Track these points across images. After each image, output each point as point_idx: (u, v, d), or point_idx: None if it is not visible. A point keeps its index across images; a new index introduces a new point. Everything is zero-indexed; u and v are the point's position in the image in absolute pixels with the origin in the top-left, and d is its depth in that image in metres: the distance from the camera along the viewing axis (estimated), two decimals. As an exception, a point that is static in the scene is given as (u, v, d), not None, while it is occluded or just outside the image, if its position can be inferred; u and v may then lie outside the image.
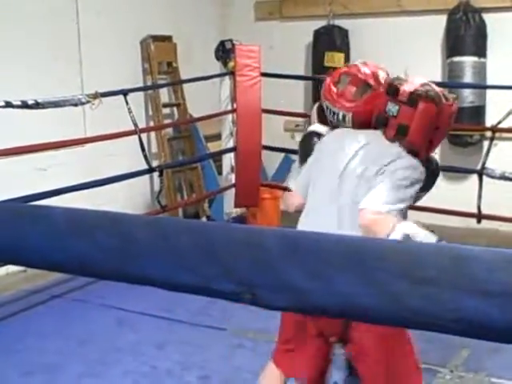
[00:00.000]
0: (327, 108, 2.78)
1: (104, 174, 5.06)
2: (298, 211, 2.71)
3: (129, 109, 5.03)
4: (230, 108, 6.20)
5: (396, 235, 2.26)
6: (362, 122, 2.68)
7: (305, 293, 0.65)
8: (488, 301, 0.58)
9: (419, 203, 4.68)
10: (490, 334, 0.59)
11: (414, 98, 2.53)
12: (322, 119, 2.87)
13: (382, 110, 2.59)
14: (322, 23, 6.85)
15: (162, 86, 6.55)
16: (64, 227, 0.85)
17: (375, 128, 2.64)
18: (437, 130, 2.61)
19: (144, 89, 6.30)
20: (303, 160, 2.82)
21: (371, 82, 2.71)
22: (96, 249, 0.79)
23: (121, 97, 5.03)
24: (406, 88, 2.55)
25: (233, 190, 6.06)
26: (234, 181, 6.09)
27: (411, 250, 0.64)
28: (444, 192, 6.36)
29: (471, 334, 0.60)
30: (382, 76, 2.74)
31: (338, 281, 0.63)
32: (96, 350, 4.08)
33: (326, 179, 2.61)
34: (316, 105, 3.03)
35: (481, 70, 6.27)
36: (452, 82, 6.32)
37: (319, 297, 0.65)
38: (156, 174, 5.43)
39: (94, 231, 0.79)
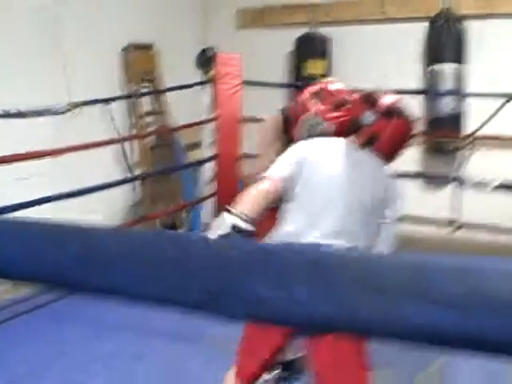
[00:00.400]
0: (307, 121, 2.87)
1: (83, 183, 5.05)
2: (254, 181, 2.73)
3: (111, 117, 5.05)
4: (210, 116, 6.22)
5: None
6: (342, 132, 2.78)
7: (267, 303, 0.67)
8: (444, 311, 0.59)
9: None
10: (446, 344, 0.61)
11: (390, 112, 2.68)
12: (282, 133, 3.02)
13: (358, 117, 2.72)
14: (303, 31, 6.89)
15: (144, 94, 6.55)
16: (36, 238, 0.86)
17: (347, 135, 2.75)
18: (400, 146, 2.77)
19: (125, 97, 6.30)
20: None
21: (346, 96, 2.90)
22: (66, 261, 0.80)
23: (101, 106, 5.04)
24: (383, 101, 2.70)
25: (211, 200, 6.07)
26: (213, 190, 6.10)
27: (371, 259, 0.66)
28: (422, 199, 6.44)
29: (427, 344, 0.62)
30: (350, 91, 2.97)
31: (298, 290, 0.65)
32: (75, 361, 4.07)
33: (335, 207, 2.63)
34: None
35: (461, 78, 6.33)
36: (433, 89, 6.38)
37: (280, 306, 0.66)
38: (135, 183, 5.43)
39: (65, 242, 0.80)
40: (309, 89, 3.00)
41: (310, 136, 2.85)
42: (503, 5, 6.26)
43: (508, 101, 5.24)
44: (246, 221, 2.52)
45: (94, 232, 0.79)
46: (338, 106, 2.86)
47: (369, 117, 2.71)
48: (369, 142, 2.71)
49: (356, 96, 2.82)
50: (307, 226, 2.61)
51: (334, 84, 3.03)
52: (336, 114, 2.85)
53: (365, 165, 2.72)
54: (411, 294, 0.59)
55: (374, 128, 2.70)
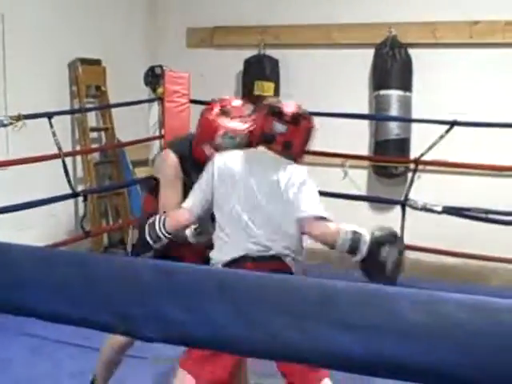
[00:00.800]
0: (222, 138, 3.11)
1: (27, 197, 4.96)
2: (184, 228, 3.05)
3: (53, 132, 4.97)
4: (158, 134, 6.19)
5: (345, 235, 2.80)
6: (253, 142, 3.08)
7: (178, 324, 0.66)
8: (352, 334, 0.60)
9: None
10: (354, 367, 0.61)
11: (297, 118, 3.01)
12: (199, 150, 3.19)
13: (268, 129, 3.00)
14: (253, 52, 6.94)
15: (90, 110, 6.49)
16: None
17: (257, 145, 3.03)
18: (308, 144, 3.10)
19: (70, 112, 6.23)
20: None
21: (248, 111, 3.23)
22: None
23: (46, 120, 4.97)
24: (287, 110, 3.03)
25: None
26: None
27: (281, 283, 0.66)
28: (368, 222, 6.51)
29: (337, 367, 0.62)
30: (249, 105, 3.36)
31: (210, 312, 0.64)
32: (11, 379, 3.97)
33: (244, 204, 2.86)
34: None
35: (406, 104, 6.46)
36: (378, 114, 6.49)
37: (193, 328, 0.66)
38: (80, 199, 5.36)
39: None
40: (214, 107, 3.24)
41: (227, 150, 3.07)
42: (447, 34, 6.42)
43: (451, 127, 5.35)
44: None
45: (8, 249, 0.77)
46: (246, 120, 3.14)
47: (281, 127, 2.99)
48: (286, 149, 3.00)
49: (262, 109, 3.10)
50: (240, 240, 2.82)
51: (235, 100, 3.40)
52: (246, 126, 3.12)
53: (277, 169, 2.92)
54: (322, 320, 0.59)
55: (286, 136, 2.99)
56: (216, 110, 3.20)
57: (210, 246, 2.92)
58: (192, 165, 3.17)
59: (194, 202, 2.92)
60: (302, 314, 0.62)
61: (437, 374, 0.58)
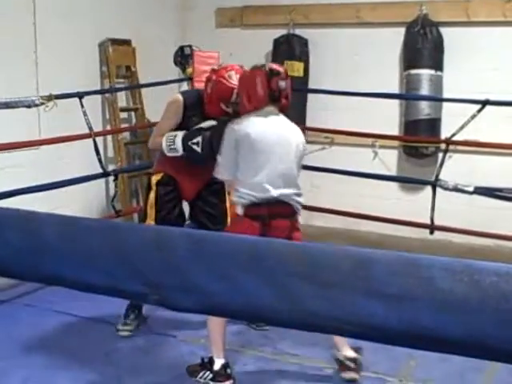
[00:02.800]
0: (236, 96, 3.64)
1: (59, 176, 5.01)
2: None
3: (84, 112, 5.00)
4: (187, 114, 6.18)
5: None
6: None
7: (210, 294, 0.65)
8: (387, 304, 0.58)
9: (375, 213, 4.85)
10: (389, 338, 0.60)
11: (286, 72, 3.57)
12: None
13: (276, 87, 3.45)
14: (282, 32, 6.88)
15: (120, 89, 6.50)
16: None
17: (265, 106, 3.48)
18: None
19: (100, 92, 6.24)
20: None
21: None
22: (7, 248, 0.77)
23: (77, 99, 5.00)
24: (280, 68, 3.57)
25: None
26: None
27: (313, 252, 0.64)
28: (399, 202, 6.47)
29: (370, 338, 0.60)
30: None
31: (242, 282, 0.63)
32: (43, 356, 4.02)
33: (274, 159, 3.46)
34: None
35: (437, 83, 6.36)
36: (409, 94, 6.41)
37: (224, 298, 0.65)
38: (111, 179, 5.40)
39: (5, 230, 0.77)
40: (222, 70, 3.81)
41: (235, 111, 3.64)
42: (479, 12, 6.30)
43: (483, 107, 5.26)
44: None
45: (35, 219, 0.77)
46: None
47: (283, 84, 3.47)
48: (287, 102, 3.56)
49: (255, 74, 3.52)
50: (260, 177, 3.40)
51: (236, 66, 3.86)
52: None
53: (285, 124, 3.59)
54: (356, 289, 0.57)
55: (287, 90, 3.50)
56: (230, 73, 3.74)
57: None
58: (199, 114, 3.86)
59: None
60: (334, 283, 0.60)
61: (474, 345, 0.56)
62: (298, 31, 6.87)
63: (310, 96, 6.76)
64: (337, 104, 6.39)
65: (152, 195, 4.11)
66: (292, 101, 6.97)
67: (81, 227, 0.76)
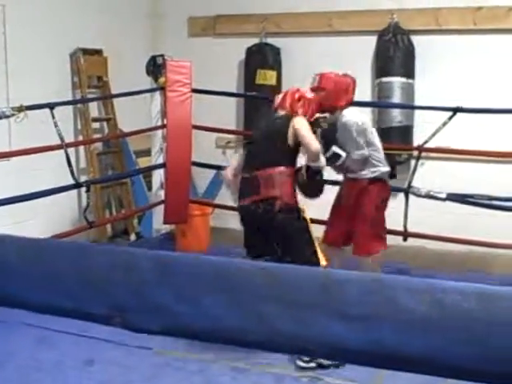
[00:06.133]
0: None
1: (30, 188, 4.96)
2: None
3: (55, 123, 4.97)
4: (160, 123, 6.17)
5: None
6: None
7: (176, 316, 0.65)
8: (351, 324, 0.58)
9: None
10: (352, 358, 0.60)
11: None
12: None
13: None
14: (254, 41, 6.90)
15: (91, 100, 6.47)
16: None
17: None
18: None
19: (72, 103, 6.20)
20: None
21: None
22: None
23: (48, 110, 4.96)
24: None
25: (162, 207, 6.02)
26: (163, 197, 6.05)
27: (280, 272, 0.64)
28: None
29: (336, 358, 0.60)
30: None
31: (207, 304, 0.63)
32: (16, 370, 3.97)
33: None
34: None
35: (409, 91, 6.42)
36: (381, 102, 6.45)
37: (190, 320, 0.64)
38: (84, 190, 5.36)
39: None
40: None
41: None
42: (450, 20, 6.38)
43: (454, 114, 5.31)
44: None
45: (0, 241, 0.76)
46: None
47: None
48: None
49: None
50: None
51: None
52: None
53: None
54: (323, 310, 0.57)
55: None
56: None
57: None
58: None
59: None
60: (300, 303, 0.60)
61: (438, 364, 0.57)
62: (270, 40, 6.90)
63: (283, 104, 6.77)
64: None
65: (308, 218, 4.16)
66: (265, 110, 6.99)
67: (46, 248, 0.75)
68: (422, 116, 6.06)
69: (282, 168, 4.08)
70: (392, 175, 4.80)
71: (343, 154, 4.31)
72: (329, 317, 0.58)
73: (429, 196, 5.30)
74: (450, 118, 5.32)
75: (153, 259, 0.68)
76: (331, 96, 4.36)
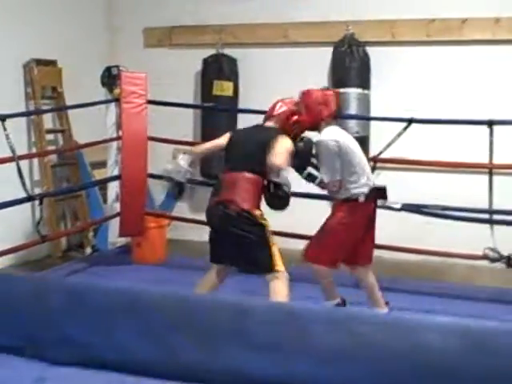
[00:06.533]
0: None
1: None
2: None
3: (6, 135, 4.89)
4: (116, 135, 6.10)
5: None
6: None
7: (87, 347, 0.62)
8: (262, 355, 0.57)
9: (307, 232, 4.96)
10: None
11: None
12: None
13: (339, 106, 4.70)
14: (211, 52, 6.89)
15: (45, 111, 6.38)
16: None
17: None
18: None
19: (24, 114, 6.11)
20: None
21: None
22: None
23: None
24: None
25: (118, 219, 5.96)
26: (118, 209, 5.98)
27: (191, 302, 0.62)
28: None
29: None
30: None
31: (118, 334, 0.61)
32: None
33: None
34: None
35: (365, 102, 6.47)
36: (338, 112, 6.47)
37: (100, 351, 0.62)
38: (35, 203, 5.27)
39: None
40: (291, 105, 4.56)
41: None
42: (404, 32, 6.46)
43: (409, 125, 5.37)
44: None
45: None
46: None
47: None
48: None
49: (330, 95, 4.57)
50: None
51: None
52: None
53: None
54: (228, 339, 0.55)
55: None
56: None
57: None
58: None
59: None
60: (210, 334, 0.58)
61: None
62: (227, 51, 6.90)
63: (241, 116, 6.78)
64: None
65: (268, 223, 4.15)
66: (222, 121, 6.98)
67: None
68: (378, 127, 6.10)
69: (247, 174, 4.15)
70: (380, 196, 4.58)
71: (318, 175, 4.36)
72: (238, 347, 0.56)
73: (384, 206, 5.33)
74: (405, 128, 5.38)
75: (65, 289, 0.66)
76: (312, 110, 4.42)
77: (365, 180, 4.42)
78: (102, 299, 0.53)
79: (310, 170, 4.38)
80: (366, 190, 4.40)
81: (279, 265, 4.05)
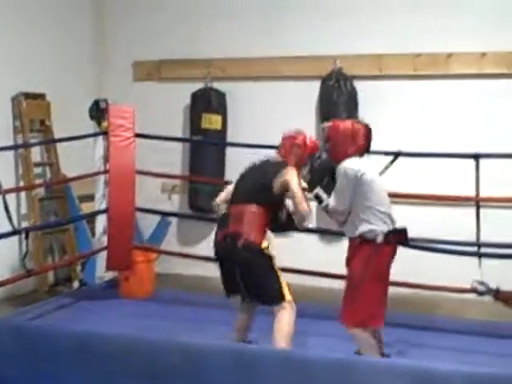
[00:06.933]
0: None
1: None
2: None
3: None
4: (104, 168, 6.10)
5: None
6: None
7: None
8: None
9: (293, 265, 4.90)
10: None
11: None
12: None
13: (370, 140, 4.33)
14: (199, 85, 6.93)
15: (34, 145, 6.38)
16: None
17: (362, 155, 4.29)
18: None
19: (12, 148, 6.11)
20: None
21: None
22: None
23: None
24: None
25: (105, 253, 5.93)
26: (106, 243, 5.95)
27: (145, 345, 0.62)
28: (318, 254, 6.47)
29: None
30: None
31: (68, 379, 0.60)
32: None
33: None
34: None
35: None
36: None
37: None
38: (21, 236, 5.24)
39: None
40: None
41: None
42: (391, 66, 6.52)
43: (396, 158, 5.40)
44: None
45: None
46: None
47: None
48: None
49: (360, 127, 4.29)
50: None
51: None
52: None
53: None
54: (176, 380, 0.55)
55: None
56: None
57: None
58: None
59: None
60: (163, 378, 0.58)
61: None
62: (215, 84, 6.95)
63: (229, 150, 6.80)
64: (255, 157, 6.38)
65: (274, 255, 4.18)
66: (210, 155, 7.00)
67: None
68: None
69: (254, 207, 4.18)
70: (401, 242, 4.26)
71: (325, 198, 4.20)
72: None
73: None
74: (392, 161, 5.39)
75: (13, 330, 0.65)
76: (337, 145, 4.20)
77: (381, 221, 4.05)
78: (50, 340, 0.52)
79: (319, 190, 4.24)
80: (383, 229, 4.04)
81: (287, 294, 4.11)
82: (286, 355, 0.47)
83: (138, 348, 0.50)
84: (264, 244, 4.17)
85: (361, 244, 4.05)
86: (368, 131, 4.25)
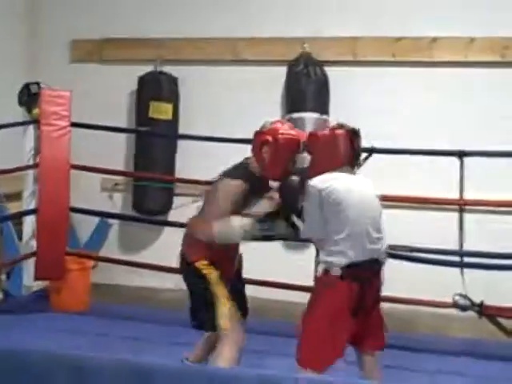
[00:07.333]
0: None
1: None
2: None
3: None
4: (34, 162, 6.05)
5: None
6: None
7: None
8: None
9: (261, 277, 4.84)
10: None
11: None
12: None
13: (358, 148, 3.92)
14: (148, 69, 6.92)
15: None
16: None
17: (342, 165, 3.87)
18: None
19: None
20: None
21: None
22: None
23: None
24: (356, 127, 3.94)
25: (34, 260, 5.88)
26: (35, 248, 5.91)
27: (85, 364, 0.62)
28: (284, 263, 6.48)
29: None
30: None
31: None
32: None
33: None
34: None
35: (323, 128, 6.50)
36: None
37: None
38: None
39: None
40: (274, 128, 4.06)
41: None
42: (367, 51, 6.59)
43: (370, 155, 5.43)
44: None
45: None
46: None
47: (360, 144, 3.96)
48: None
49: (338, 133, 3.90)
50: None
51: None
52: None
53: (366, 183, 4.00)
54: None
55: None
56: (284, 126, 4.14)
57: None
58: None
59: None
60: None
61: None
62: (166, 68, 6.93)
63: (181, 143, 6.79)
64: (211, 152, 6.40)
65: (214, 275, 3.98)
66: (159, 148, 6.97)
67: None
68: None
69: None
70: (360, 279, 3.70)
71: (300, 226, 3.89)
72: None
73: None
74: (365, 159, 5.42)
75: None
76: (320, 159, 3.89)
77: (340, 253, 3.65)
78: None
79: (294, 218, 3.92)
80: (340, 262, 3.65)
81: (224, 323, 3.95)
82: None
83: (79, 369, 0.50)
84: (202, 262, 4.02)
85: (323, 276, 3.73)
86: (354, 136, 3.86)
